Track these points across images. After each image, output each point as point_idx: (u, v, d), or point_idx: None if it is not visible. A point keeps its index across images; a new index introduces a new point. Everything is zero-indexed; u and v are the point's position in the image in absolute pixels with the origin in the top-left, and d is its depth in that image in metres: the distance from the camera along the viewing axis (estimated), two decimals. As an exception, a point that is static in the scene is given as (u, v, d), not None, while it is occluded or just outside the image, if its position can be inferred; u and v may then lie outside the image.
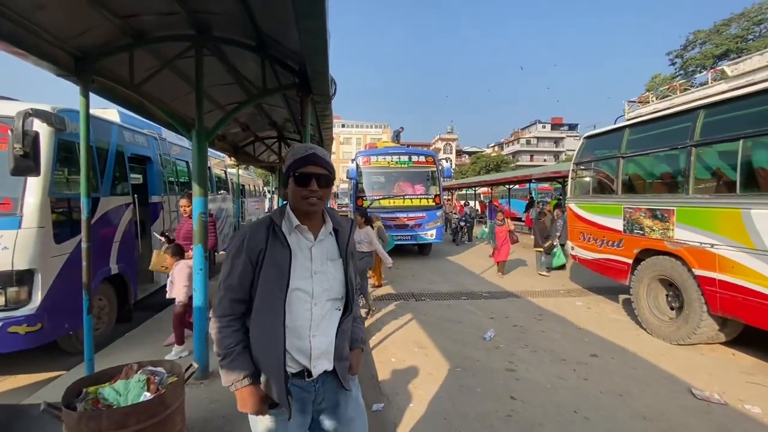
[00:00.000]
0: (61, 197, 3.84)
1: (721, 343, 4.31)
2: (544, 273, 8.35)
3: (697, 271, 4.08)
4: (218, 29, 3.06)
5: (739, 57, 6.83)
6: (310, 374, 1.33)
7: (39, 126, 3.50)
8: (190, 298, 3.74)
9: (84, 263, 3.06)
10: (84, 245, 3.05)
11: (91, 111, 4.53)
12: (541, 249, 8.40)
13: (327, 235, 1.40)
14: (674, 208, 4.40)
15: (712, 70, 5.54)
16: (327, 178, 1.33)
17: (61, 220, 3.81)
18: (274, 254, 1.28)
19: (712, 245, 3.92)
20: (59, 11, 2.52)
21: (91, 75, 3.08)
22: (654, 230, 4.67)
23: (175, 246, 4.07)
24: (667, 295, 4.71)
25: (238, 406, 1.29)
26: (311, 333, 1.31)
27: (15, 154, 2.79)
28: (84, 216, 3.06)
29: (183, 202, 4.46)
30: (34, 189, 3.51)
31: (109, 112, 5.32)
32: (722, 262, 3.82)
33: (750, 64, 4.25)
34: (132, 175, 5.44)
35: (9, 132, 2.85)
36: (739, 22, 27.20)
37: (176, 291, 3.88)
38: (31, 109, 3.09)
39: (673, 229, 4.40)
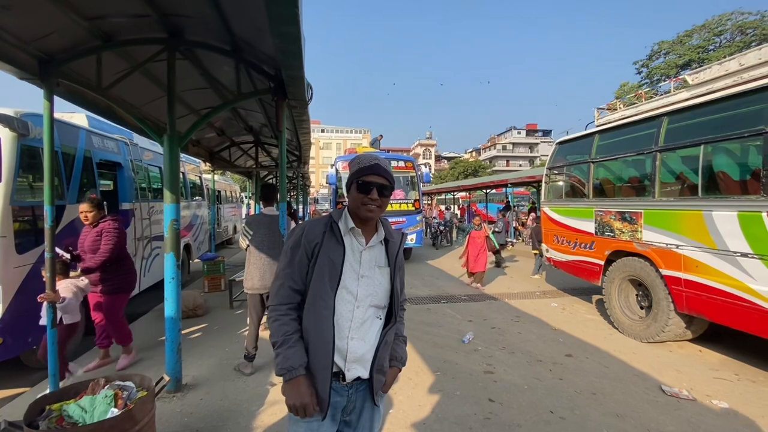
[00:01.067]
0: (24, 205, 3.66)
1: (689, 341, 4.49)
2: (536, 276, 8.52)
3: (664, 271, 4.25)
4: (191, 33, 3.01)
5: (701, 66, 7.21)
6: (344, 377, 1.35)
7: (1, 131, 3.35)
8: (74, 325, 3.36)
9: (47, 274, 2.92)
10: (47, 255, 2.92)
11: (60, 115, 4.38)
12: (538, 251, 8.57)
13: (377, 243, 1.44)
14: (642, 210, 4.58)
15: (675, 79, 5.83)
16: (388, 188, 1.39)
17: (25, 229, 3.63)
18: (329, 250, 1.36)
19: (677, 246, 4.10)
20: (23, 13, 2.42)
21: (56, 78, 2.96)
22: (624, 232, 4.84)
23: (59, 263, 3.31)
24: (637, 295, 4.88)
25: (288, 398, 1.27)
26: (350, 335, 1.34)
27: (-28, 160, 2.66)
28: (48, 224, 2.93)
29: (83, 207, 3.71)
30: (-7, 197, 3.34)
31: (77, 116, 5.13)
32: (687, 262, 4.00)
33: (710, 73, 4.50)
34: (101, 182, 5.24)
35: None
36: (701, 33, 28.76)
37: (70, 314, 3.28)
38: (-9, 113, 2.95)
39: (641, 231, 4.58)
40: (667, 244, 4.23)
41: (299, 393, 1.26)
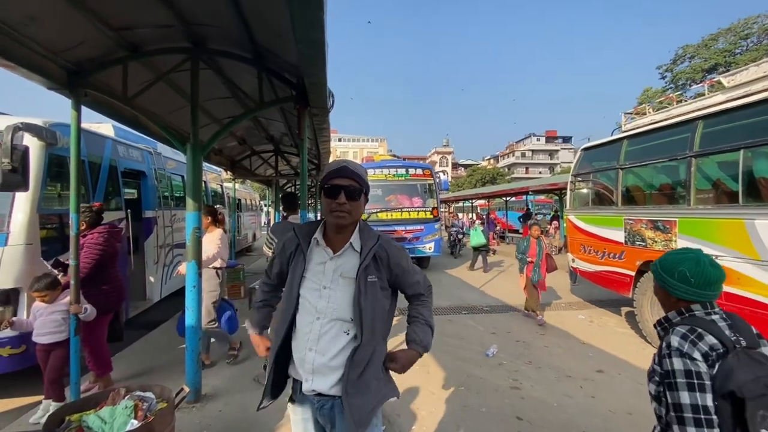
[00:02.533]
0: (51, 213, 3.73)
1: (729, 357, 4.21)
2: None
3: (702, 283, 4.00)
4: (214, 42, 3.02)
5: (728, 71, 6.92)
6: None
7: (29, 140, 3.43)
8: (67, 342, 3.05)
9: (72, 281, 2.94)
10: (72, 263, 2.94)
11: (87, 125, 4.49)
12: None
13: (348, 252, 1.37)
14: (676, 219, 4.35)
15: (708, 82, 5.58)
16: (355, 190, 1.32)
17: (51, 237, 3.70)
18: (296, 261, 1.40)
19: (716, 257, 3.86)
20: (52, 24, 2.47)
21: (83, 88, 3.02)
22: (656, 242, 4.61)
23: (52, 280, 3.03)
24: (671, 308, 4.62)
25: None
26: (308, 346, 1.33)
27: (3, 169, 2.72)
28: (73, 232, 2.96)
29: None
30: (22, 205, 3.41)
31: (104, 126, 5.26)
32: (727, 273, 3.75)
33: (746, 75, 4.27)
34: (126, 190, 5.35)
35: (-3, 146, 2.77)
36: (726, 36, 27.89)
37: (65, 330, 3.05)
38: (21, 123, 3.03)
39: (675, 241, 4.34)
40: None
41: (255, 344, 1.61)
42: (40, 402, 3.11)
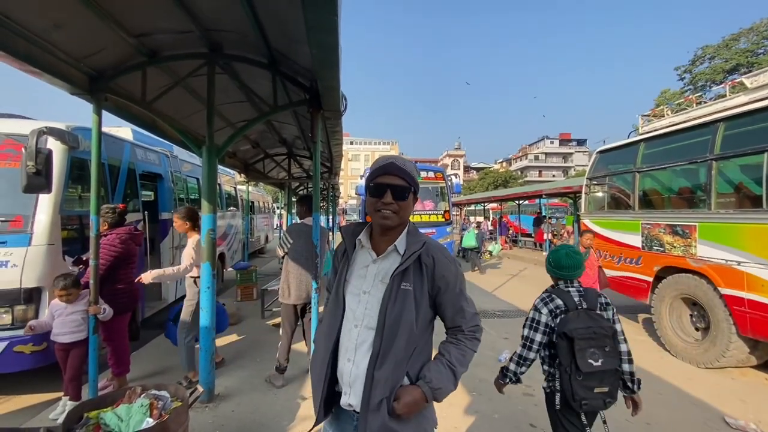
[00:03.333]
0: (72, 214, 3.84)
1: (753, 367, 4.07)
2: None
3: (724, 290, 3.89)
4: (230, 47, 3.08)
5: (750, 71, 6.72)
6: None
7: (52, 144, 3.53)
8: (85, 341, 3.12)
9: (91, 281, 3.01)
10: (92, 262, 3.01)
11: (107, 129, 4.61)
12: None
13: (393, 255, 1.26)
14: (696, 223, 4.24)
15: (729, 83, 5.44)
16: (403, 189, 1.22)
17: (72, 237, 3.80)
18: (342, 264, 1.34)
19: (739, 263, 3.74)
20: (75, 31, 2.55)
21: (104, 93, 3.10)
22: (675, 247, 4.50)
23: (75, 279, 3.12)
24: (691, 315, 4.50)
25: None
26: (347, 356, 1.24)
27: (27, 171, 2.79)
28: (93, 233, 3.03)
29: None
30: (45, 206, 3.51)
31: (122, 130, 5.39)
32: (751, 280, 3.64)
33: (770, 76, 4.15)
34: (143, 192, 5.46)
35: (23, 150, 2.86)
36: (748, 36, 27.14)
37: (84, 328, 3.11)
38: (45, 127, 3.11)
39: (695, 246, 4.23)
40: (726, 261, 3.87)
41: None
42: (59, 398, 3.19)
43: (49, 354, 3.42)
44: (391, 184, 1.21)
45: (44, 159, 2.85)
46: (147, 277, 3.43)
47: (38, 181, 2.86)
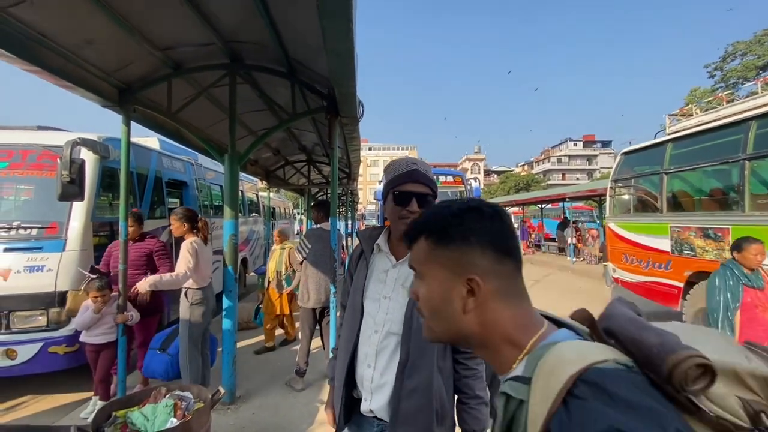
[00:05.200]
0: (103, 221, 4.01)
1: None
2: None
3: (761, 296, 3.69)
4: (251, 57, 3.17)
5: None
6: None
7: (85, 154, 3.71)
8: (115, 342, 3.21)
9: (120, 285, 3.14)
10: (120, 267, 3.14)
11: (136, 139, 4.81)
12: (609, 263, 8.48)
13: None
14: (729, 226, 4.05)
15: (762, 80, 5.21)
16: (428, 196, 1.21)
17: (102, 243, 3.97)
18: (360, 268, 1.34)
19: (778, 267, 3.55)
20: (105, 46, 2.68)
21: (132, 105, 3.24)
22: (707, 251, 4.31)
23: (108, 281, 3.27)
24: (725, 323, 4.28)
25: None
26: (367, 361, 1.23)
27: (62, 180, 2.95)
28: (122, 239, 3.16)
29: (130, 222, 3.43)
30: (78, 213, 3.69)
31: (150, 140, 5.61)
32: (790, 286, 3.43)
33: (807, 71, 3.94)
34: (169, 199, 5.65)
35: (58, 160, 3.02)
36: (784, 31, 25.93)
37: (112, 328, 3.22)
38: (79, 138, 3.28)
39: (728, 250, 4.03)
40: (763, 265, 3.67)
41: (329, 401, 1.41)
42: (89, 398, 3.32)
43: (80, 355, 3.57)
44: (417, 192, 1.20)
45: (77, 168, 3.01)
46: (143, 285, 3.14)
47: (72, 189, 3.01)
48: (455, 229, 0.63)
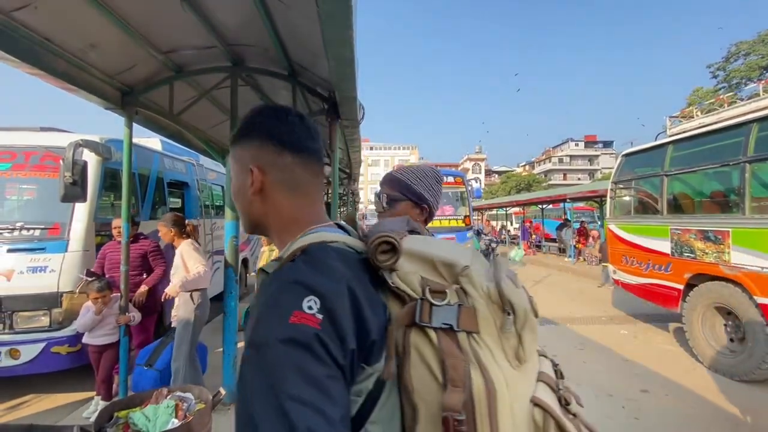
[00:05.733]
0: (105, 222, 4.03)
1: (794, 381, 3.84)
2: (610, 286, 8.53)
3: (760, 299, 3.69)
4: (252, 60, 3.19)
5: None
6: None
7: (87, 155, 3.73)
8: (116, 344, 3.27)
9: (122, 285, 3.16)
10: (122, 268, 3.16)
11: (137, 139, 4.84)
12: (608, 264, 8.56)
13: None
14: (729, 229, 4.05)
15: (764, 81, 5.20)
16: (392, 196, 1.33)
17: (104, 243, 3.99)
18: None
19: (777, 270, 3.56)
20: (109, 50, 2.70)
21: (135, 107, 3.26)
22: (707, 253, 4.31)
23: (108, 282, 3.31)
24: (725, 325, 4.29)
25: None
26: None
27: (65, 182, 2.97)
28: (123, 240, 3.18)
29: (116, 222, 3.58)
30: (80, 214, 3.72)
31: (152, 140, 5.63)
32: (790, 289, 3.45)
33: (808, 74, 3.94)
34: (171, 200, 5.68)
35: (60, 162, 3.05)
36: (787, 31, 25.80)
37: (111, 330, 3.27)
38: (81, 140, 3.30)
39: (728, 252, 4.04)
40: (762, 268, 3.69)
41: None
42: (92, 398, 3.34)
43: (82, 355, 3.60)
44: (383, 192, 1.35)
45: (80, 170, 3.03)
46: (173, 289, 3.26)
47: (74, 190, 3.04)
48: (243, 128, 0.72)
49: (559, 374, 0.64)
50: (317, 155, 0.72)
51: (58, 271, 3.50)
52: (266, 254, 5.00)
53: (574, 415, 0.58)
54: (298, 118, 0.71)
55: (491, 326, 0.57)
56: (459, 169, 57.96)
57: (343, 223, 0.74)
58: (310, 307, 0.50)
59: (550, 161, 63.77)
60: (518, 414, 0.53)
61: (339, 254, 0.59)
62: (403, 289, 0.59)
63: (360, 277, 0.58)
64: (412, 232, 0.76)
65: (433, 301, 0.56)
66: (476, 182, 11.06)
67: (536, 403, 0.55)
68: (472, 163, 66.85)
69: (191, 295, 3.34)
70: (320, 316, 0.49)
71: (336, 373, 0.48)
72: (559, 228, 16.48)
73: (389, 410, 0.57)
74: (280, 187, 0.68)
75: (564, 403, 0.58)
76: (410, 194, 1.33)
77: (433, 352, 0.55)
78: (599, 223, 14.51)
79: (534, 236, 19.36)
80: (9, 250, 3.49)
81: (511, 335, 0.57)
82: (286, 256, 0.60)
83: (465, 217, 10.13)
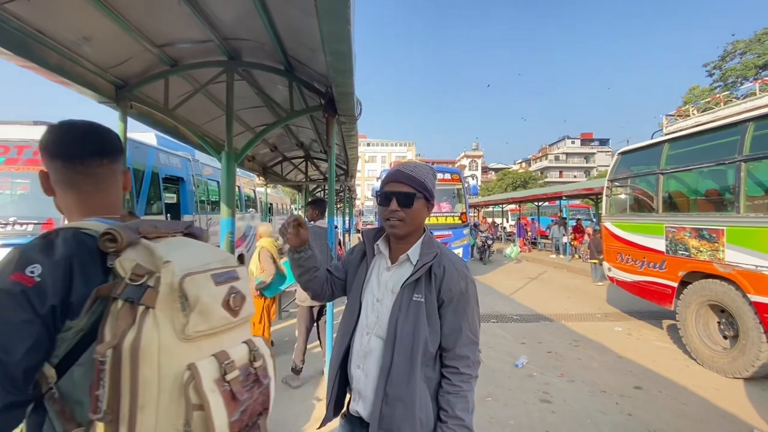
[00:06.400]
0: (99, 217, 4.00)
1: (785, 378, 3.89)
2: (599, 283, 8.92)
3: (754, 297, 3.73)
4: (248, 55, 3.15)
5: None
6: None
7: (81, 150, 3.69)
8: None
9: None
10: (117, 265, 3.13)
11: (132, 134, 4.79)
12: (596, 261, 9.07)
13: (406, 264, 1.24)
14: (724, 227, 4.08)
15: (760, 81, 5.23)
16: (409, 195, 1.19)
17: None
18: (361, 268, 1.33)
19: (770, 269, 3.59)
20: (102, 43, 2.66)
21: (129, 101, 3.22)
22: (701, 251, 4.34)
23: None
24: (719, 323, 4.33)
25: None
26: (357, 363, 1.23)
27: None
28: (118, 236, 3.15)
29: None
30: (74, 210, 3.67)
31: (147, 135, 5.58)
32: (782, 287, 3.48)
33: (803, 74, 3.96)
34: (166, 195, 5.64)
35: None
36: (783, 30, 25.91)
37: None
38: (75, 134, 3.27)
39: (723, 251, 4.07)
40: (756, 266, 3.72)
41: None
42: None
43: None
44: (396, 191, 1.21)
45: (74, 165, 3.00)
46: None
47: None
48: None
49: (252, 358, 0.84)
50: (80, 157, 0.87)
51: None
52: (260, 248, 4.96)
53: (229, 383, 0.74)
54: (66, 128, 0.88)
55: (168, 306, 0.71)
56: (456, 165, 57.90)
57: (121, 215, 0.94)
58: (32, 272, 0.69)
59: (546, 158, 63.91)
60: (165, 369, 0.69)
61: (75, 237, 0.76)
62: (117, 269, 0.74)
63: (87, 256, 0.75)
64: (188, 235, 0.98)
65: (128, 282, 0.71)
66: (473, 179, 11.08)
67: (188, 366, 0.70)
68: (469, 159, 66.88)
69: None
70: (38, 279, 0.69)
71: (33, 318, 0.68)
72: (550, 226, 16.56)
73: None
74: (60, 186, 0.88)
75: (222, 374, 0.74)
76: (425, 191, 1.24)
77: (114, 315, 0.70)
78: (594, 221, 14.58)
79: (529, 233, 19.43)
80: (2, 245, 3.45)
81: (183, 316, 0.72)
82: (39, 235, 0.78)
83: (461, 213, 10.16)
